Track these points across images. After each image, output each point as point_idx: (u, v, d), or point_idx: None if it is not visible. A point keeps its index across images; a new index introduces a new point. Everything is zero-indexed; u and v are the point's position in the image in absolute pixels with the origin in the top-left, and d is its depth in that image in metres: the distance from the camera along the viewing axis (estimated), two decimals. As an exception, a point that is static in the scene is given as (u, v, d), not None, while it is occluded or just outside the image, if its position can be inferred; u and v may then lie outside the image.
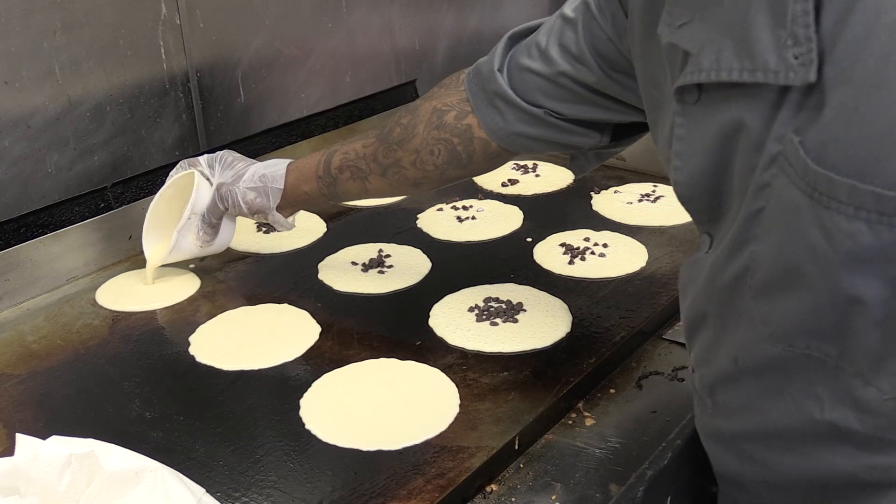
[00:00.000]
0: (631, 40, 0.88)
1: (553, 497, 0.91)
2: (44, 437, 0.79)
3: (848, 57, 0.59)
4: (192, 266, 1.38)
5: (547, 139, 1.05)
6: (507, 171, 1.72)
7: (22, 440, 0.79)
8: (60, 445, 0.78)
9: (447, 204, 1.58)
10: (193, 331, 1.20)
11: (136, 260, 1.41)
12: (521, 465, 0.96)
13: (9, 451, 0.88)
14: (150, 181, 1.49)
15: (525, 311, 1.20)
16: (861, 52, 0.58)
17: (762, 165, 0.66)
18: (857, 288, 0.62)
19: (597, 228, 1.45)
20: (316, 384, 1.07)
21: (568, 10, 0.99)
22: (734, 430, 0.81)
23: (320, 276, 1.34)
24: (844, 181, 0.59)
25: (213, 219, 1.28)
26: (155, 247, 1.33)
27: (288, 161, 1.26)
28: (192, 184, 1.28)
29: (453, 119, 1.09)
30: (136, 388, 1.09)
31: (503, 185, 1.66)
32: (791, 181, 0.63)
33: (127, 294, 1.31)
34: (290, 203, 1.25)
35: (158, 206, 1.33)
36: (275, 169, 1.25)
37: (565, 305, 1.22)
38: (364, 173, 1.17)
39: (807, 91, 0.62)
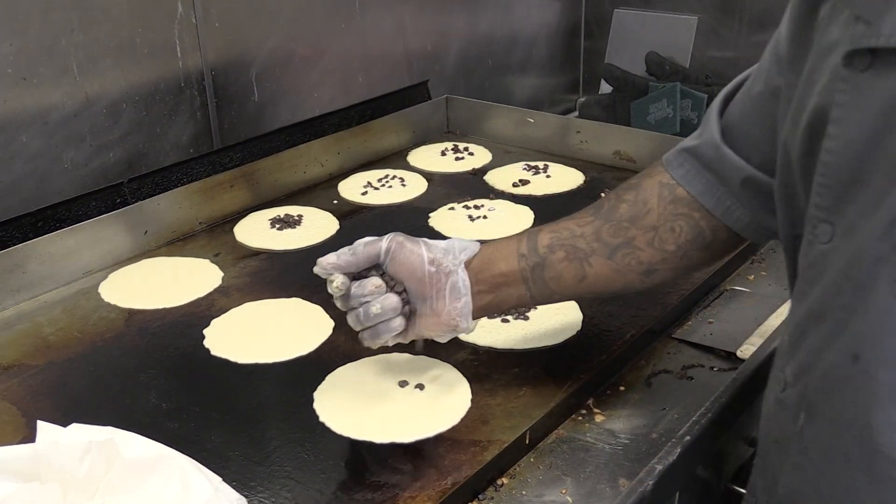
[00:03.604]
0: (791, 12, 0.85)
1: (563, 491, 0.92)
2: (62, 426, 0.81)
3: None
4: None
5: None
6: (518, 171, 1.73)
7: (43, 427, 0.80)
8: (81, 433, 0.80)
9: (459, 203, 1.59)
10: (208, 324, 1.21)
11: (150, 254, 1.43)
12: (532, 460, 0.97)
13: (28, 439, 0.90)
14: (166, 177, 1.51)
15: (536, 308, 1.21)
16: None
17: None
18: None
19: (607, 228, 1.46)
20: (329, 377, 1.08)
21: (773, 43, 0.90)
22: (830, 453, 0.75)
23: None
24: None
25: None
26: None
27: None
28: None
29: (687, 194, 0.96)
30: (152, 379, 1.10)
31: (514, 185, 1.67)
32: None
33: (144, 289, 1.33)
34: (479, 285, 0.99)
35: None
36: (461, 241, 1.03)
37: (576, 303, 1.23)
38: (584, 254, 0.98)
39: None
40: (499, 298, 1.00)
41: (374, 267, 0.99)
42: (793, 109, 0.80)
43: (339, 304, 1.00)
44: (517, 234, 1.03)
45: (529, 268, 0.99)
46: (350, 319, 1.00)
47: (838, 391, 0.73)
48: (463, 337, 1.15)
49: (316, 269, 0.99)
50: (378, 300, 0.96)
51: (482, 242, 1.04)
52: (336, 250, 0.99)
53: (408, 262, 0.97)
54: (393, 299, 0.97)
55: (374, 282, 0.97)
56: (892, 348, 0.69)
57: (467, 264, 0.99)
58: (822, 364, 0.75)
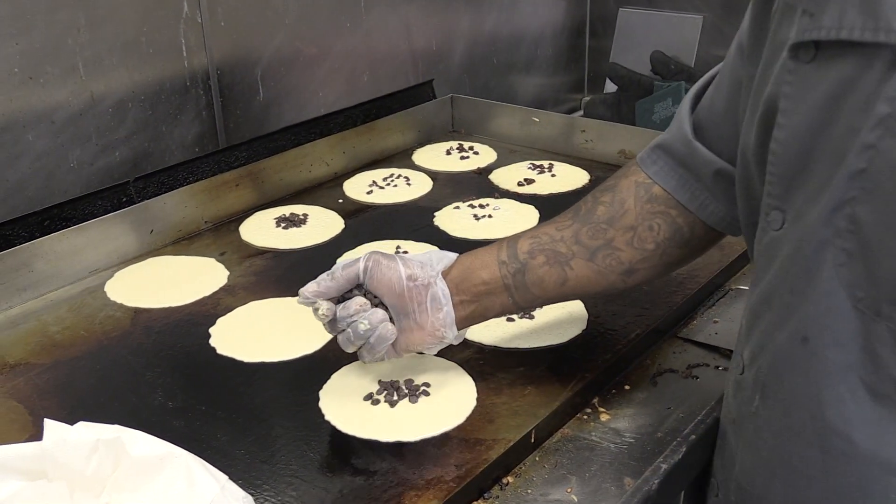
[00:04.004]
0: (751, 6, 0.87)
1: (568, 490, 0.92)
2: (69, 424, 0.81)
3: None
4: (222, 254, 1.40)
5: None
6: (523, 170, 1.73)
7: (50, 425, 0.80)
8: (88, 431, 0.80)
9: (464, 202, 1.59)
10: (214, 323, 1.22)
11: (156, 253, 1.44)
12: (538, 458, 0.97)
13: (34, 437, 0.90)
14: (171, 176, 1.51)
15: (541, 307, 1.21)
16: None
17: (868, 126, 0.67)
18: None
19: (612, 228, 1.46)
20: (335, 376, 1.08)
21: (738, 35, 0.93)
22: (783, 431, 0.79)
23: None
24: None
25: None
26: None
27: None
28: None
29: (662, 192, 0.98)
30: (158, 378, 1.11)
31: (519, 184, 1.67)
32: None
33: (150, 288, 1.33)
34: (460, 295, 1.00)
35: None
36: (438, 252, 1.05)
37: (581, 303, 1.23)
38: (564, 258, 0.99)
39: None
40: (482, 307, 1.01)
41: (356, 287, 1.00)
42: (750, 101, 0.82)
43: (328, 329, 1.01)
44: (497, 242, 1.04)
45: (511, 274, 1.00)
46: (341, 342, 1.00)
47: (790, 372, 0.77)
48: (468, 336, 1.15)
49: (299, 300, 1.00)
50: (365, 316, 0.97)
51: (486, 241, 1.04)
52: (342, 250, 0.98)
53: (386, 278, 0.98)
54: (379, 313, 0.98)
55: (359, 301, 0.98)
56: (839, 329, 0.72)
57: (446, 275, 1.00)
58: (774, 346, 0.78)
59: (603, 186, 1.03)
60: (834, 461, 0.75)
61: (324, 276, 1.00)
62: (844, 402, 0.72)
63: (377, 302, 0.99)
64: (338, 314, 0.98)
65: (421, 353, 1.07)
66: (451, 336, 1.00)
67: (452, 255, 1.02)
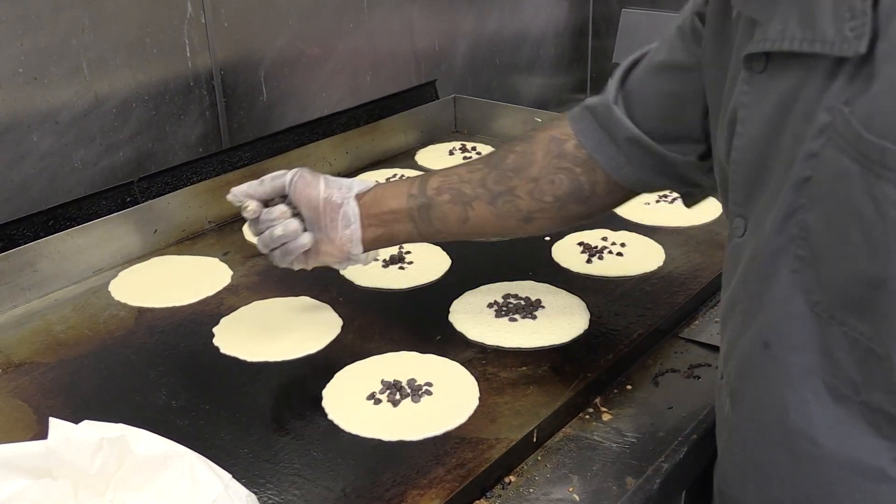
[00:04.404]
0: (709, 16, 0.89)
1: (570, 489, 0.93)
2: (73, 423, 0.81)
3: None
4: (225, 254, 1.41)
5: (668, 175, 1.02)
6: (525, 170, 1.73)
7: (55, 424, 0.80)
8: (92, 429, 0.80)
9: (466, 202, 1.59)
10: (217, 323, 1.22)
11: (160, 253, 1.44)
12: (539, 458, 0.98)
13: (39, 436, 0.91)
14: (175, 177, 1.52)
15: (543, 307, 1.21)
16: None
17: (811, 135, 0.68)
18: (893, 263, 0.63)
19: (614, 228, 1.47)
20: (338, 375, 1.09)
21: (679, 19, 0.97)
22: (752, 434, 0.80)
23: (342, 272, 1.35)
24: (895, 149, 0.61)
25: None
26: None
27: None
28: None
29: (574, 148, 1.03)
30: (161, 377, 1.11)
31: (521, 184, 1.67)
32: (841, 150, 0.65)
33: (154, 288, 1.34)
34: (369, 218, 1.08)
35: None
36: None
37: (583, 303, 1.23)
38: (468, 198, 1.06)
39: (860, 63, 0.64)
40: (389, 233, 1.09)
41: (281, 198, 1.10)
42: (721, 111, 0.84)
43: (251, 228, 1.11)
44: (412, 177, 1.11)
45: (417, 207, 1.07)
46: (259, 244, 1.11)
47: (754, 376, 0.78)
48: (470, 336, 1.16)
49: (229, 197, 1.11)
50: (281, 223, 1.07)
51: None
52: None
53: (306, 193, 1.07)
54: (294, 223, 1.08)
55: (281, 208, 1.08)
56: (797, 334, 0.73)
57: (360, 198, 1.08)
58: (740, 352, 0.80)
59: (522, 136, 1.09)
60: (801, 463, 0.76)
61: (253, 182, 1.10)
62: (807, 404, 0.73)
63: (297, 212, 1.09)
64: (261, 216, 1.08)
65: (420, 353, 1.08)
66: (358, 252, 1.09)
67: (371, 184, 1.11)
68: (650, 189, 1.07)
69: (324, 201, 1.07)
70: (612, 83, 1.02)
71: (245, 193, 1.09)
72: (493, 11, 2.26)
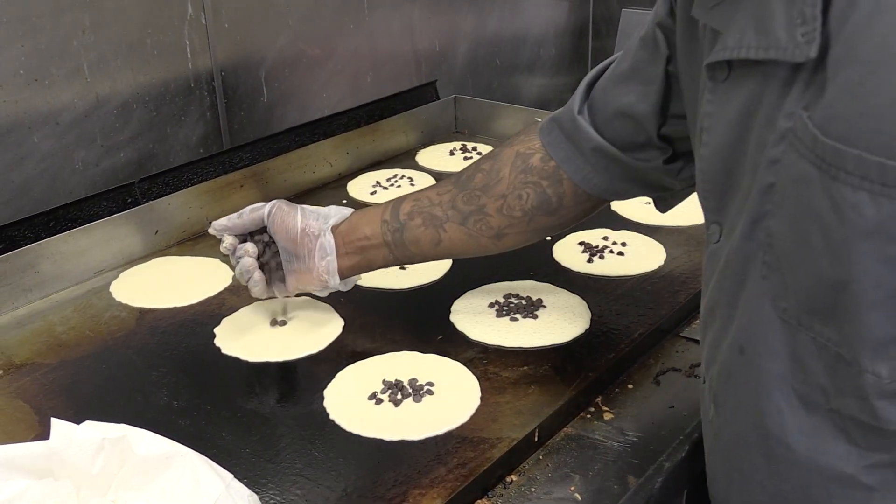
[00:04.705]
0: (678, 27, 0.90)
1: (571, 488, 0.93)
2: (75, 423, 0.81)
3: (855, 35, 0.62)
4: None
5: (637, 182, 1.03)
6: (526, 170, 1.73)
7: (57, 424, 0.80)
8: (94, 430, 0.80)
9: (467, 202, 1.59)
10: (218, 323, 1.22)
11: (161, 254, 1.44)
12: (541, 457, 0.98)
13: (41, 436, 0.91)
14: (176, 177, 1.52)
15: (545, 307, 1.22)
16: (867, 30, 0.61)
17: (773, 141, 0.69)
18: (853, 265, 0.64)
19: (615, 228, 1.47)
20: (339, 375, 1.09)
21: (643, 28, 0.98)
22: (734, 439, 0.81)
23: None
24: (852, 152, 0.62)
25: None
26: None
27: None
28: None
29: (539, 162, 1.04)
30: (163, 377, 1.11)
31: (522, 184, 1.67)
32: (801, 155, 0.66)
33: (155, 289, 1.34)
34: (345, 247, 1.12)
35: None
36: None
37: (584, 302, 1.23)
38: (439, 221, 1.08)
39: (815, 68, 0.65)
40: (366, 259, 1.12)
41: (261, 230, 1.15)
42: (696, 122, 0.85)
43: (232, 260, 1.16)
44: (385, 203, 1.13)
45: (390, 232, 1.10)
46: (236, 273, 1.15)
47: (733, 382, 0.79)
48: (472, 336, 1.16)
49: (210, 230, 1.16)
50: (240, 261, 1.13)
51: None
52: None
53: (284, 225, 1.11)
54: (248, 261, 1.12)
55: (245, 246, 1.13)
56: (769, 340, 0.73)
57: (335, 229, 1.12)
58: (719, 357, 0.80)
59: (489, 154, 1.10)
60: (778, 468, 0.76)
61: (234, 215, 1.14)
62: (782, 411, 0.74)
63: (272, 244, 1.15)
64: (235, 252, 1.14)
65: (421, 353, 1.08)
66: (334, 283, 1.12)
67: (347, 212, 1.14)
68: (620, 196, 1.08)
69: (300, 233, 1.11)
70: (577, 94, 1.04)
71: (224, 227, 1.14)
72: (494, 12, 2.26)
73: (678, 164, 1.00)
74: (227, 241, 1.13)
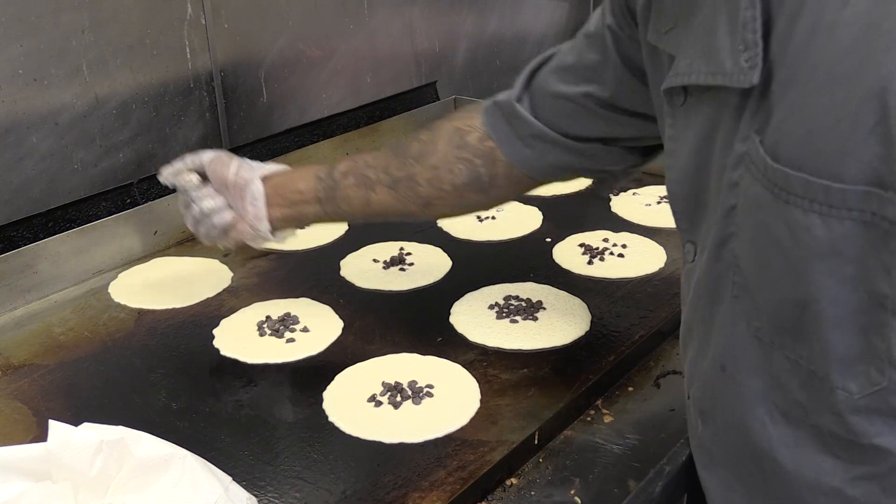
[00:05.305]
0: (644, 49, 0.90)
1: (571, 492, 0.92)
2: (73, 425, 0.81)
3: (796, 59, 0.62)
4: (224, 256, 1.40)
5: (577, 166, 1.04)
6: (526, 172, 1.73)
7: (55, 426, 0.80)
8: (92, 432, 0.80)
9: (467, 204, 1.59)
10: (217, 324, 1.22)
11: (160, 254, 1.44)
12: (541, 460, 0.97)
13: (39, 438, 0.91)
14: (175, 178, 1.51)
15: (545, 309, 1.21)
16: (805, 53, 0.61)
17: (731, 165, 0.69)
18: (813, 285, 0.64)
19: (615, 230, 1.47)
20: (339, 377, 1.08)
21: (590, 26, 0.99)
22: (721, 455, 0.81)
23: (342, 273, 1.36)
24: (798, 175, 0.62)
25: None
26: None
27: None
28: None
29: (476, 140, 1.05)
30: (161, 379, 1.11)
31: (522, 185, 1.67)
32: (755, 179, 0.66)
33: (154, 289, 1.33)
34: (278, 199, 1.13)
35: None
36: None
37: (584, 304, 1.23)
38: (371, 182, 1.09)
39: (763, 93, 0.65)
40: (298, 213, 1.13)
41: (200, 176, 1.17)
42: (659, 122, 0.86)
43: (182, 199, 1.18)
44: (325, 164, 1.15)
45: (323, 189, 1.11)
46: (188, 219, 1.18)
47: (717, 398, 0.80)
48: (471, 338, 1.16)
49: (161, 178, 1.18)
50: (210, 198, 1.14)
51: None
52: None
53: (220, 172, 1.13)
54: (221, 199, 1.14)
55: (208, 187, 1.15)
56: (747, 358, 0.74)
57: (270, 179, 1.13)
58: (701, 374, 0.81)
59: (429, 126, 1.11)
60: (769, 481, 0.77)
61: (178, 160, 1.17)
62: (765, 426, 0.74)
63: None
64: (192, 194, 1.15)
65: (420, 355, 1.07)
66: (265, 230, 1.13)
67: (281, 167, 1.16)
68: (559, 178, 1.08)
69: (232, 180, 1.13)
70: (518, 81, 1.05)
71: (173, 172, 1.17)
72: (494, 13, 2.26)
73: (618, 149, 1.01)
74: (196, 178, 1.15)
